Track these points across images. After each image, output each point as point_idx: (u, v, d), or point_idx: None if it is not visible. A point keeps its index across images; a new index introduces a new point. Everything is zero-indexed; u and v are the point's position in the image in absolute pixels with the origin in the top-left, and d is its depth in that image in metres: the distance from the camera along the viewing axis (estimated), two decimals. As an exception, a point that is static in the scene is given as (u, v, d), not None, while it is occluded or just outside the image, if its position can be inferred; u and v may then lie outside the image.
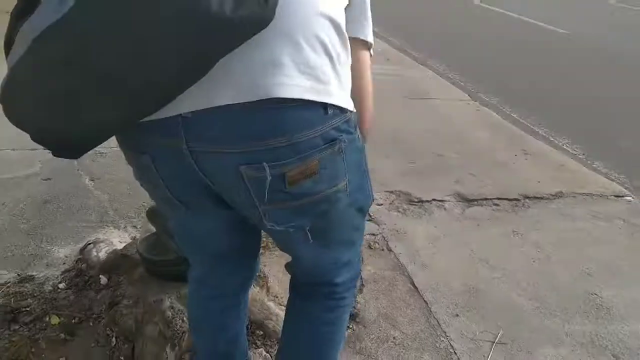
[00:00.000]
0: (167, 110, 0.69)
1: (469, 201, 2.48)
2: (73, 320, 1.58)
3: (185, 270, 1.15)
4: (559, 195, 2.60)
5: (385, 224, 2.23)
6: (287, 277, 1.12)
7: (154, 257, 1.44)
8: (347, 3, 0.84)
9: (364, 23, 0.89)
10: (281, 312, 1.51)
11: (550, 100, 4.34)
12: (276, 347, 1.47)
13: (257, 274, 1.66)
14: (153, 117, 0.69)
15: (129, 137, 0.79)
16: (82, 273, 1.77)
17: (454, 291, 1.85)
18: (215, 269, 1.06)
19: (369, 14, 0.90)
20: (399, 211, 2.35)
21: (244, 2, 0.62)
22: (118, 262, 1.68)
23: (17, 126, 0.71)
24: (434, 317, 1.71)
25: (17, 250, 1.93)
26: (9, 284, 1.73)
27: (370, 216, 2.26)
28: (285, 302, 1.14)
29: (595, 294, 1.89)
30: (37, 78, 0.63)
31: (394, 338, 1.60)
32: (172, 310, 1.38)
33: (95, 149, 0.75)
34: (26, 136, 0.74)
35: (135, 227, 2.10)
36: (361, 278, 1.87)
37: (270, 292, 1.66)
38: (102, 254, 1.78)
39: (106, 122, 0.70)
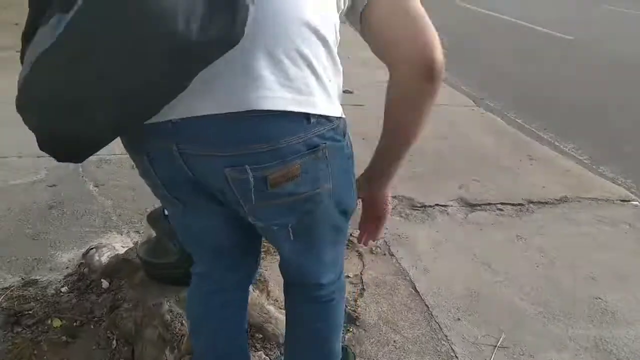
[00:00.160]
0: (160, 115, 0.72)
1: (472, 206, 2.46)
2: (74, 323, 1.59)
3: (185, 274, 1.16)
4: (563, 200, 2.58)
5: (387, 228, 2.22)
6: (285, 280, 1.13)
7: (153, 260, 1.45)
8: (348, 6, 0.84)
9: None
10: (281, 316, 1.51)
11: (556, 105, 4.32)
12: (275, 351, 1.47)
13: (258, 277, 1.67)
14: (150, 121, 0.73)
15: (130, 139, 0.83)
16: (84, 277, 1.79)
17: (456, 295, 1.83)
18: (215, 264, 1.08)
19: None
20: (401, 216, 2.34)
21: (212, 23, 0.63)
22: (119, 266, 1.70)
23: (34, 132, 0.74)
24: (435, 321, 1.70)
25: (21, 255, 1.95)
26: (12, 288, 1.74)
27: (373, 221, 2.25)
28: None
29: (600, 298, 1.87)
30: (41, 93, 0.68)
31: (394, 342, 1.60)
32: (171, 313, 1.39)
33: (100, 155, 0.83)
34: (32, 143, 0.76)
35: (137, 232, 2.11)
36: (362, 282, 1.87)
37: (271, 295, 1.66)
38: (104, 259, 1.79)
39: (99, 130, 0.73)
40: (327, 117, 0.80)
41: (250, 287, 1.29)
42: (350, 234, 2.12)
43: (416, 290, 1.85)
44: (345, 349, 1.40)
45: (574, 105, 4.32)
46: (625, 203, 2.62)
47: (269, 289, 1.67)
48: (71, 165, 2.60)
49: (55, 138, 0.74)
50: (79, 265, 1.87)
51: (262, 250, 1.19)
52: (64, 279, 1.81)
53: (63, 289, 1.76)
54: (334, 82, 0.82)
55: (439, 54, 0.78)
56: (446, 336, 1.63)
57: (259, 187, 0.80)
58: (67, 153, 0.77)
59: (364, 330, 1.64)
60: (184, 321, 1.37)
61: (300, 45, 0.75)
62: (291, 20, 0.74)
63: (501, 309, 1.78)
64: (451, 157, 3.01)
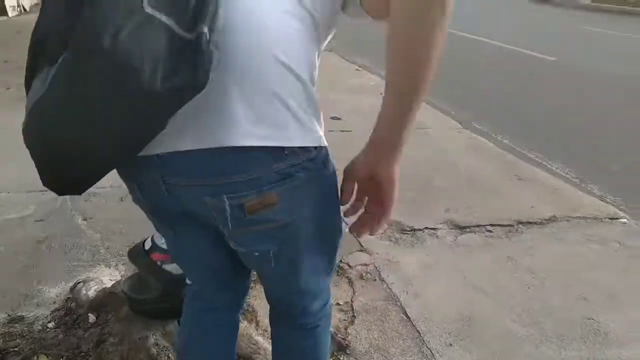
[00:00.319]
0: (148, 149, 0.76)
1: (461, 228, 2.47)
2: (61, 359, 1.56)
3: (168, 308, 1.15)
4: (552, 219, 2.60)
5: (377, 253, 2.22)
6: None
7: (136, 295, 1.44)
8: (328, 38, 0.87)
9: None
10: (269, 347, 1.49)
11: (542, 125, 4.37)
12: (264, 382, 1.45)
13: (246, 307, 1.65)
14: (140, 153, 0.78)
15: (123, 169, 0.89)
16: (71, 312, 1.76)
17: (448, 320, 1.82)
18: (206, 284, 1.11)
19: None
20: (391, 240, 2.34)
21: (177, 72, 0.68)
22: (106, 300, 1.68)
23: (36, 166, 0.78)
24: (427, 346, 1.68)
25: (8, 291, 1.93)
26: (-2, 325, 1.72)
27: (362, 247, 2.26)
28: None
29: (592, 319, 1.86)
30: (36, 137, 0.74)
31: (385, 370, 1.58)
32: (156, 347, 1.37)
33: (89, 189, 0.82)
34: (20, 179, 0.80)
35: (125, 264, 2.10)
36: (352, 309, 1.85)
37: (260, 325, 1.64)
38: (92, 292, 1.77)
39: (92, 168, 0.78)
40: (303, 148, 0.82)
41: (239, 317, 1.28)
42: (340, 260, 2.12)
43: (407, 316, 1.83)
44: None
45: (559, 125, 4.38)
46: (614, 221, 2.63)
47: (257, 319, 1.65)
48: (59, 199, 2.60)
49: (55, 175, 0.78)
50: (66, 300, 1.85)
51: (252, 276, 1.19)
52: (50, 314, 1.79)
53: (50, 325, 1.73)
54: (311, 114, 0.83)
55: None
56: (438, 362, 1.62)
57: (236, 214, 0.83)
58: (66, 186, 0.81)
59: (355, 358, 1.62)
60: (170, 354, 1.35)
61: (273, 84, 0.77)
62: (263, 60, 0.76)
63: (493, 333, 1.77)
64: (440, 180, 3.03)
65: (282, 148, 0.79)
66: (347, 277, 2.05)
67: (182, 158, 0.78)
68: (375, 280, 2.05)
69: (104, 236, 2.33)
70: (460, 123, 4.25)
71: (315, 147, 0.84)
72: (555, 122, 4.46)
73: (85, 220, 2.48)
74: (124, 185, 0.92)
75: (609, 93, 5.37)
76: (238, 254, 0.95)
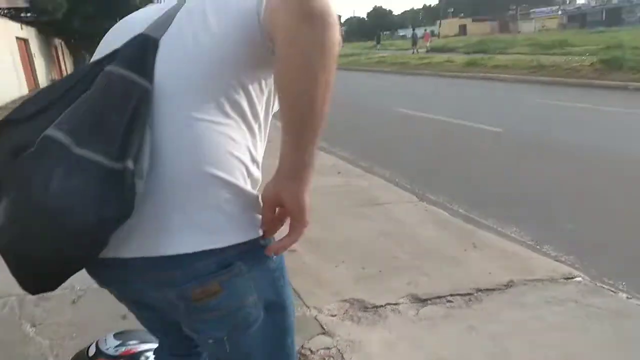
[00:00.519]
0: (103, 253, 0.85)
1: (422, 301, 2.47)
2: None
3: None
4: (510, 284, 2.63)
5: (339, 335, 2.17)
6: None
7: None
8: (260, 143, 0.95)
9: None
10: None
11: (495, 192, 4.55)
12: None
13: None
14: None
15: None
16: None
17: (413, 399, 1.77)
18: (169, 343, 1.23)
19: None
20: (353, 320, 2.31)
21: (104, 206, 0.78)
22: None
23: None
24: None
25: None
26: None
27: (324, 329, 2.21)
28: None
29: (557, 383, 1.85)
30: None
31: None
32: None
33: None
34: None
35: (75, 371, 1.97)
36: (315, 397, 1.78)
37: None
38: (35, 408, 1.65)
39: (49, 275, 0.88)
40: (241, 243, 0.88)
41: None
42: (302, 347, 2.06)
43: (372, 399, 1.77)
44: None
45: (511, 192, 4.57)
46: (569, 280, 2.69)
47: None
48: (7, 306, 2.48)
49: (23, 275, 0.87)
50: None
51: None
52: None
53: None
54: (247, 209, 0.89)
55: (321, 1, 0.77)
56: None
57: (183, 304, 0.90)
58: (37, 285, 0.89)
59: None
60: None
61: (205, 195, 0.85)
62: (194, 176, 0.84)
63: (460, 408, 1.72)
64: (400, 253, 3.07)
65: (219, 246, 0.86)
66: (310, 362, 1.99)
67: (128, 262, 0.87)
68: (338, 363, 1.99)
69: (53, 342, 2.20)
70: (416, 196, 4.38)
71: (254, 239, 0.89)
72: (506, 189, 4.66)
73: (34, 326, 2.35)
74: (77, 286, 0.99)
75: (555, 159, 5.68)
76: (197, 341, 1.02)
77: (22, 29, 17.09)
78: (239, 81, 0.88)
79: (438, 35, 53.21)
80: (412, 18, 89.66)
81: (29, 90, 15.73)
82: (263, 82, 0.92)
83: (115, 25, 1.04)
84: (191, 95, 0.86)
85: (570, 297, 2.50)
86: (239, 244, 0.87)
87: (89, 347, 1.38)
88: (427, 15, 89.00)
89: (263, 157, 0.99)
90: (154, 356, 1.32)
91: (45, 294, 2.53)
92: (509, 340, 2.13)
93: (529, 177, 5.01)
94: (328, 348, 2.08)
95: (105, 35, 1.03)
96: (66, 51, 26.42)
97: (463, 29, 62.87)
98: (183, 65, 0.87)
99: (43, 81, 18.34)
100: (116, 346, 1.61)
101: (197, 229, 0.84)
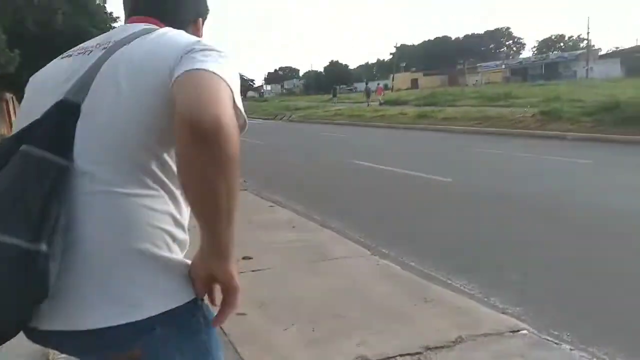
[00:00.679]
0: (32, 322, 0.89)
1: (372, 363, 2.43)
2: None
3: None
4: (458, 340, 2.63)
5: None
6: None
7: None
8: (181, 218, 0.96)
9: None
10: None
11: (445, 244, 4.64)
12: None
13: None
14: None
15: None
16: None
17: None
18: None
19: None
20: (300, 387, 2.24)
21: (21, 289, 0.82)
22: None
23: None
24: None
25: None
26: None
27: (269, 399, 2.13)
28: None
29: None
30: None
31: None
32: None
33: None
34: None
35: None
36: None
37: None
38: None
39: None
40: (161, 313, 0.88)
41: None
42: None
43: None
44: None
45: (461, 242, 4.67)
46: (515, 333, 2.72)
47: None
48: None
49: None
50: None
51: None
52: None
53: None
54: (172, 278, 0.91)
55: (211, 116, 0.79)
56: None
57: None
58: None
59: None
60: None
61: (126, 270, 0.87)
62: (114, 251, 0.87)
63: None
64: (350, 312, 3.03)
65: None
66: None
67: (52, 333, 0.90)
68: None
69: None
70: (368, 249, 4.39)
71: (172, 308, 0.90)
72: (457, 240, 4.76)
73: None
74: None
75: (503, 208, 5.89)
76: None
77: (-28, 82, 16.64)
78: (154, 151, 0.91)
79: (392, 89, 55.49)
80: (367, 72, 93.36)
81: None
82: None
83: (30, 84, 1.05)
84: (109, 168, 0.89)
85: (516, 352, 2.52)
86: (159, 314, 0.88)
87: None
88: (381, 69, 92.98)
89: None
90: None
91: None
92: (457, 400, 2.11)
93: (478, 226, 5.15)
94: (273, 420, 1.99)
95: (23, 101, 1.05)
96: (17, 105, 25.81)
97: (415, 83, 65.92)
98: (100, 135, 0.90)
99: (-9, 136, 17.69)
100: None
101: (116, 303, 0.86)
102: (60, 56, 1.06)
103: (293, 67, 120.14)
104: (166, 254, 0.90)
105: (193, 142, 0.80)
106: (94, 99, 0.91)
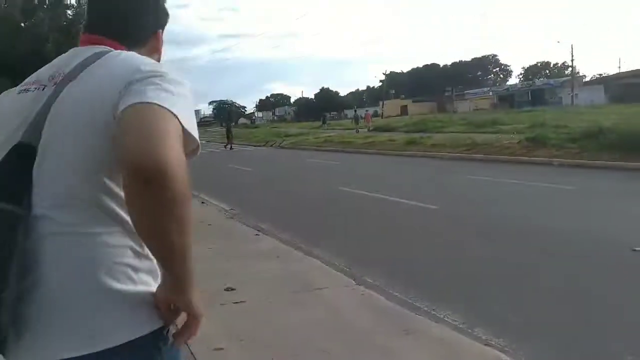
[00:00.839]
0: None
1: (350, 399, 2.38)
2: None
3: None
4: (439, 374, 2.60)
5: None
6: None
7: None
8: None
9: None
10: None
11: (429, 273, 4.62)
12: None
13: None
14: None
15: None
16: None
17: None
18: None
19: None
20: None
21: None
22: None
23: None
24: None
25: None
26: None
27: None
28: None
29: None
30: None
31: None
32: None
33: None
34: None
35: None
36: None
37: None
38: None
39: None
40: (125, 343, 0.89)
41: None
42: None
43: None
44: None
45: (446, 271, 4.66)
46: (497, 366, 2.70)
47: None
48: None
49: None
50: None
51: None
52: None
53: None
54: (136, 309, 0.91)
55: (152, 161, 0.79)
56: None
57: None
58: None
59: None
60: None
61: (85, 305, 0.89)
62: (78, 290, 0.89)
63: None
64: (331, 346, 2.99)
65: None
66: None
67: None
68: None
69: None
70: (353, 279, 4.36)
71: (139, 337, 0.91)
72: (441, 269, 4.74)
73: None
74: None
75: (488, 236, 5.90)
76: None
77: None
78: (108, 188, 0.92)
79: (381, 116, 56.14)
80: (357, 99, 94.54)
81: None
82: None
83: None
84: (66, 210, 0.91)
85: (498, 385, 2.49)
86: (120, 345, 0.89)
87: None
88: (371, 97, 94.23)
89: None
90: None
91: None
92: None
93: (463, 255, 5.14)
94: None
95: None
96: None
97: (404, 109, 66.79)
98: (55, 177, 0.91)
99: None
100: None
101: (77, 335, 0.88)
102: (19, 88, 1.05)
103: (284, 94, 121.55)
104: (128, 287, 0.91)
105: (137, 187, 0.81)
106: (47, 141, 0.92)
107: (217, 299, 3.75)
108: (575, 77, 58.86)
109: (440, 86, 76.91)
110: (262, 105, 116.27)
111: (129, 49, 1.05)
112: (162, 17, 1.16)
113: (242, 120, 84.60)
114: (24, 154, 0.92)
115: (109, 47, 1.03)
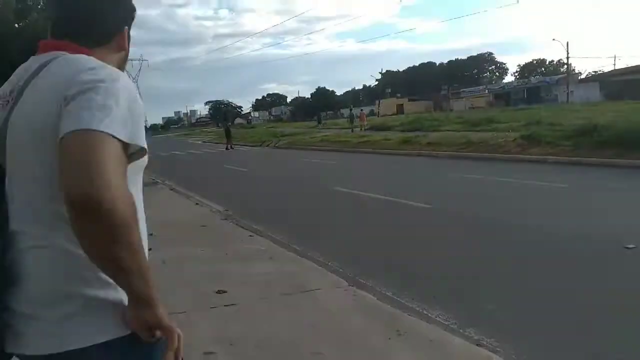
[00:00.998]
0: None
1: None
2: None
3: None
4: (430, 375, 2.60)
5: None
6: None
7: None
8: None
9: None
10: None
11: (423, 273, 4.61)
12: None
13: None
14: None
15: None
16: None
17: None
18: None
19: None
20: None
21: None
22: None
23: None
24: None
25: None
26: None
27: None
28: None
29: None
30: None
31: None
32: None
33: None
34: None
35: None
36: None
37: None
38: None
39: None
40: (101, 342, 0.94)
41: None
42: None
43: None
44: None
45: (439, 271, 4.65)
46: (488, 367, 2.69)
47: None
48: None
49: None
50: None
51: None
52: None
53: None
54: (108, 312, 0.96)
55: (87, 196, 0.81)
56: None
57: None
58: None
59: None
60: None
61: (63, 310, 0.94)
62: (50, 296, 0.95)
63: None
64: (322, 349, 2.97)
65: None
66: None
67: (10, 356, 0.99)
68: None
69: None
70: (346, 280, 4.35)
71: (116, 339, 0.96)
72: (434, 268, 4.73)
73: None
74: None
75: (481, 235, 5.90)
76: None
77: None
78: None
79: (377, 114, 56.12)
80: (353, 98, 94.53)
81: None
82: None
83: None
84: (34, 225, 0.96)
85: (488, 386, 2.49)
86: (99, 344, 0.94)
87: None
88: (367, 96, 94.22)
89: None
90: None
91: None
92: None
93: (456, 254, 5.14)
94: None
95: None
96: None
97: (400, 108, 66.79)
98: (21, 193, 0.97)
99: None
100: None
101: (52, 336, 0.94)
102: None
103: (281, 94, 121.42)
104: (97, 292, 0.95)
105: (77, 220, 0.84)
106: (11, 159, 0.97)
107: (207, 302, 3.73)
108: (570, 75, 59.05)
109: (436, 84, 77.01)
110: (259, 105, 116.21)
111: (92, 49, 1.03)
112: (127, 14, 1.11)
113: (238, 120, 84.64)
114: None
115: (58, 52, 1.00)
